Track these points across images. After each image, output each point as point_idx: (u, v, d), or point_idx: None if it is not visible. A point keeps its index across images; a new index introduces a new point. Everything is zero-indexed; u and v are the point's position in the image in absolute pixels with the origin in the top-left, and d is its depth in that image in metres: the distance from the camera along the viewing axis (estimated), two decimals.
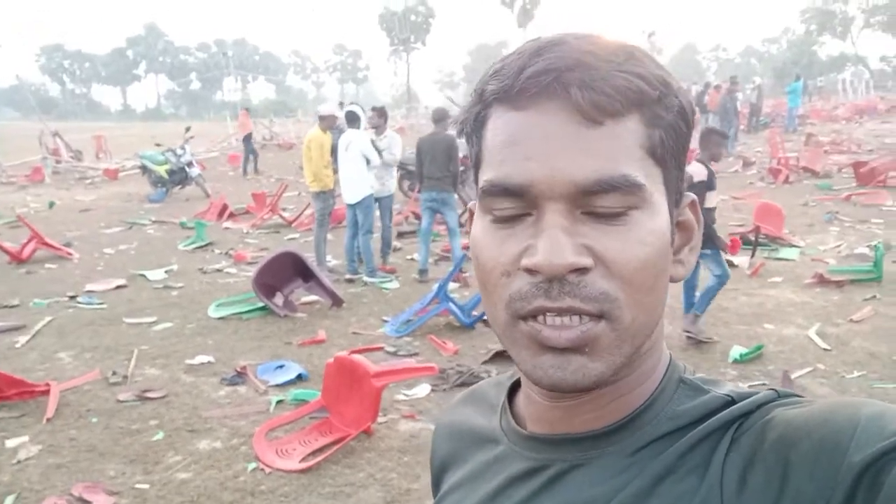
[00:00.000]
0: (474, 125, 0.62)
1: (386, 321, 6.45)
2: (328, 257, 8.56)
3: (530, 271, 0.55)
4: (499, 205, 0.58)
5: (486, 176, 0.59)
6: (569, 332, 0.55)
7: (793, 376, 4.90)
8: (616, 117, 0.55)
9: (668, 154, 0.58)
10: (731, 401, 0.59)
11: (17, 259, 9.19)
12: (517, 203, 0.57)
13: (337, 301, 6.98)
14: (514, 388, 0.74)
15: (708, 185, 5.32)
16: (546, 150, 0.55)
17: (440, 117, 8.01)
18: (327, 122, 8.32)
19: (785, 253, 8.50)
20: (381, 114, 8.73)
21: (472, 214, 0.68)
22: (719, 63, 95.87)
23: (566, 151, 0.55)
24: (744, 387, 0.61)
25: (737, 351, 5.38)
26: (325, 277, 7.16)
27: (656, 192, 0.58)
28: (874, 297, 6.70)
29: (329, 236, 8.69)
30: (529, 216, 0.57)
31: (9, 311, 7.06)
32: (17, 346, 6.02)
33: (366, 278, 7.96)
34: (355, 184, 7.88)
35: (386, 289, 7.68)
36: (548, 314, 0.56)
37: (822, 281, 7.17)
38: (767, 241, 8.79)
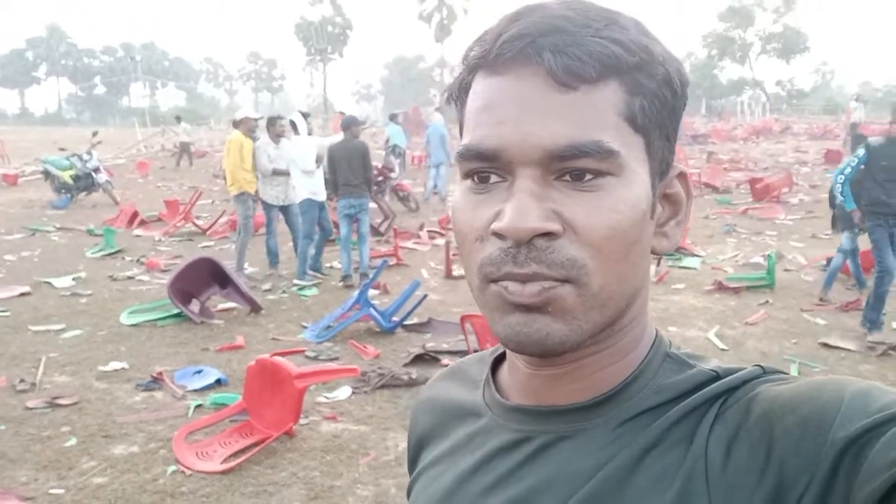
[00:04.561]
0: (459, 92, 0.61)
1: (306, 327, 6.46)
2: (245, 264, 8.48)
3: (499, 236, 0.55)
4: (474, 169, 0.58)
5: (463, 141, 0.59)
6: (532, 287, 0.55)
7: None
8: (591, 83, 0.54)
9: (652, 123, 0.57)
10: (716, 376, 0.59)
11: None
12: (491, 168, 0.57)
13: (255, 307, 6.93)
14: (497, 363, 0.73)
15: None
16: (518, 114, 0.55)
17: (349, 124, 8.08)
18: (245, 126, 8.33)
19: (687, 262, 8.97)
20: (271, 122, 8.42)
21: None
22: None
23: (538, 116, 0.54)
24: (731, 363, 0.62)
25: None
26: (242, 283, 7.10)
27: (635, 160, 0.56)
28: (767, 302, 7.19)
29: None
30: (504, 182, 0.57)
31: None
32: None
33: (296, 280, 8.07)
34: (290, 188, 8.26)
35: (304, 296, 7.67)
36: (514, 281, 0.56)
37: (720, 288, 7.63)
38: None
